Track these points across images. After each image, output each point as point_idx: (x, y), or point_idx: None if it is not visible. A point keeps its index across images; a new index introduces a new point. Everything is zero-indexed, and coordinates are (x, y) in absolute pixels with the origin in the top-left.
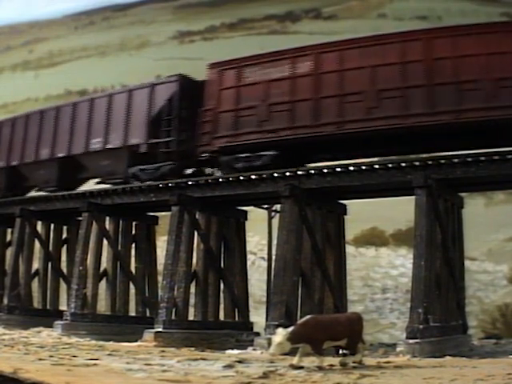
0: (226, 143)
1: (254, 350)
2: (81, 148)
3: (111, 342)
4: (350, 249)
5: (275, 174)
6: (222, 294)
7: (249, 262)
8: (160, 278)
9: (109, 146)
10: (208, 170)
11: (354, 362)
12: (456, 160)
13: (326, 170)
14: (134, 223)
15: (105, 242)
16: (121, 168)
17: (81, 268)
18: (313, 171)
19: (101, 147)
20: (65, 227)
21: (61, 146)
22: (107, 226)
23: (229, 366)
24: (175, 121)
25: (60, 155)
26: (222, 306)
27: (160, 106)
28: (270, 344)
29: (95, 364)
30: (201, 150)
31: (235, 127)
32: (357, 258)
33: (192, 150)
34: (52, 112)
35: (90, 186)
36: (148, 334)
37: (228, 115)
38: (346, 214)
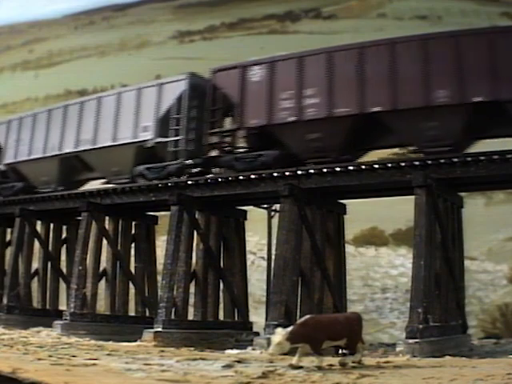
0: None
1: (254, 349)
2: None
3: (110, 342)
4: (349, 248)
5: (275, 174)
6: (221, 294)
7: (248, 262)
8: (159, 278)
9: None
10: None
11: (353, 362)
12: (456, 160)
13: (325, 170)
14: (133, 223)
15: (104, 241)
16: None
17: (80, 268)
18: (312, 171)
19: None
20: (64, 227)
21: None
22: (107, 226)
23: (228, 366)
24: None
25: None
26: (221, 306)
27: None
28: (269, 344)
29: (94, 364)
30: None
31: None
32: (356, 258)
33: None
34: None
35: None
36: (147, 334)
37: None
38: (345, 213)
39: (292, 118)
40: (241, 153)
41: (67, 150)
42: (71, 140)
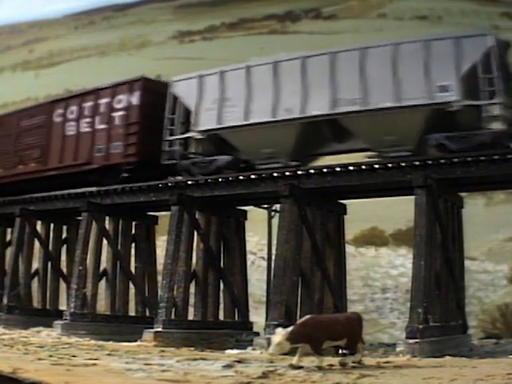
0: None
1: (254, 349)
2: None
3: (111, 342)
4: (349, 249)
5: (275, 174)
6: (221, 294)
7: (248, 262)
8: (160, 278)
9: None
10: None
11: (353, 362)
12: (456, 160)
13: (325, 170)
14: (133, 223)
15: (104, 241)
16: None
17: (80, 268)
18: (312, 171)
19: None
20: (64, 227)
21: None
22: (107, 226)
23: (228, 366)
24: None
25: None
26: (221, 306)
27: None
28: (269, 344)
29: (94, 364)
30: None
31: None
32: (357, 258)
33: None
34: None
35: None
36: (147, 334)
37: None
38: (345, 213)
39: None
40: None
41: (317, 113)
42: (322, 100)
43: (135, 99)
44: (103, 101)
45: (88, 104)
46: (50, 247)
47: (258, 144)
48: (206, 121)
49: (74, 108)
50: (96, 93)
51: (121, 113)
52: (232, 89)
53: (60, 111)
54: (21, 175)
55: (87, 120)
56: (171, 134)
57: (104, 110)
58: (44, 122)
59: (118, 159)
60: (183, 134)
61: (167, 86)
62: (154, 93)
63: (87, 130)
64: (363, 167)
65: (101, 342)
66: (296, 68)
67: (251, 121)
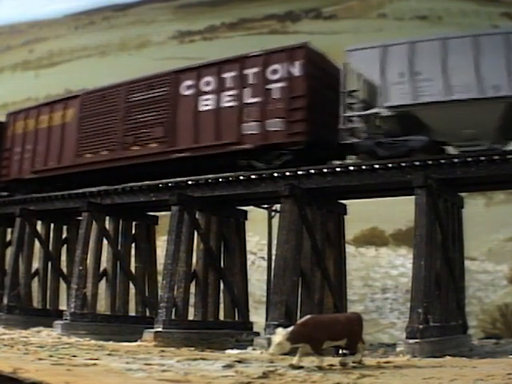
0: None
1: (254, 349)
2: None
3: (111, 342)
4: (350, 249)
5: (275, 174)
6: (221, 294)
7: (249, 262)
8: (160, 278)
9: None
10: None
11: (353, 362)
12: (456, 160)
13: (325, 170)
14: (133, 223)
15: (105, 241)
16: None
17: (81, 268)
18: (313, 171)
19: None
20: (65, 227)
21: None
22: (107, 226)
23: (228, 366)
24: None
25: None
26: (221, 306)
27: None
28: (269, 344)
29: (95, 364)
30: None
31: None
32: (357, 258)
33: None
34: None
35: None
36: (148, 334)
37: None
38: (345, 213)
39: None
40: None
41: None
42: None
43: (298, 69)
44: (251, 71)
45: (230, 74)
46: (50, 247)
47: (459, 124)
48: (397, 96)
49: (209, 79)
50: (240, 61)
51: (279, 85)
52: (424, 62)
53: (189, 82)
54: (137, 158)
55: (230, 93)
56: (349, 110)
57: (254, 81)
58: (167, 95)
59: (279, 138)
60: (366, 110)
61: (324, 56)
62: (315, 63)
63: (231, 104)
64: (363, 167)
65: (101, 342)
66: (499, 43)
67: (454, 97)
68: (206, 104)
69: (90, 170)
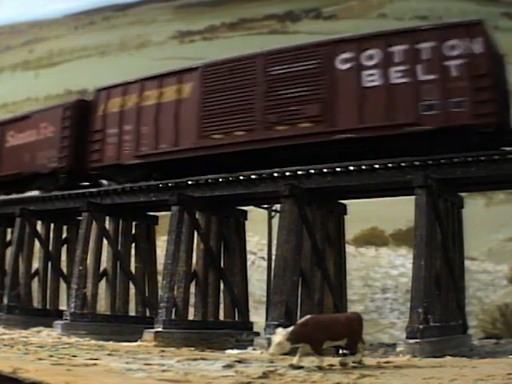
0: None
1: (254, 349)
2: None
3: (111, 342)
4: (349, 249)
5: (275, 174)
6: (221, 294)
7: (249, 262)
8: (160, 278)
9: None
10: None
11: (353, 362)
12: (456, 160)
13: (325, 170)
14: (133, 223)
15: (105, 241)
16: None
17: (81, 268)
18: (313, 171)
19: None
20: (65, 227)
21: None
22: (107, 226)
23: (228, 366)
24: None
25: None
26: (221, 306)
27: None
28: (269, 344)
29: (95, 364)
30: None
31: None
32: (357, 258)
33: None
34: None
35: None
36: (148, 334)
37: None
38: (345, 213)
39: None
40: None
41: None
42: None
43: (479, 46)
44: (425, 45)
45: (399, 48)
46: (50, 247)
47: None
48: None
49: (372, 52)
50: (411, 34)
51: (459, 61)
52: None
53: (347, 55)
54: (284, 139)
55: (401, 68)
56: None
57: (429, 56)
58: (319, 68)
59: (464, 120)
60: None
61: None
62: (490, 41)
63: (404, 80)
64: (363, 167)
65: (101, 342)
66: None
67: None
68: (372, 80)
69: (215, 154)
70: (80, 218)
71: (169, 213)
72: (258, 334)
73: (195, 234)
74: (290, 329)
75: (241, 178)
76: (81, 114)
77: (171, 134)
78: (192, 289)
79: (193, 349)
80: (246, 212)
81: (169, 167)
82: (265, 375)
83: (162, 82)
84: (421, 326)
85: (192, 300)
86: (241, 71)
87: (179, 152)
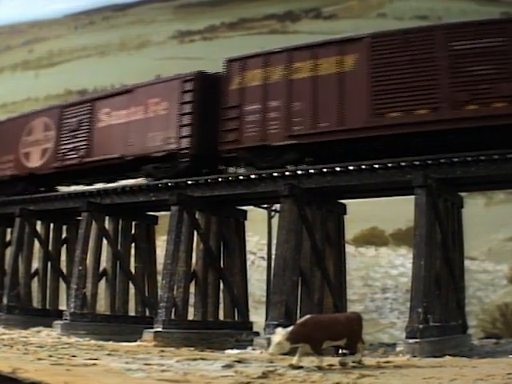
0: None
1: (254, 349)
2: None
3: (110, 342)
4: (349, 248)
5: (275, 174)
6: (221, 294)
7: (248, 262)
8: (159, 278)
9: None
10: None
11: (353, 362)
12: (456, 160)
13: (325, 170)
14: (133, 223)
15: (104, 241)
16: None
17: (80, 268)
18: (312, 171)
19: None
20: (64, 227)
21: None
22: (107, 226)
23: (228, 366)
24: None
25: None
26: (221, 306)
27: None
28: (269, 344)
29: (94, 364)
30: None
31: None
32: (357, 258)
33: None
34: None
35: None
36: (147, 334)
37: None
38: (345, 213)
39: None
40: None
41: None
42: None
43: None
44: None
45: None
46: (50, 247)
47: None
48: None
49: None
50: None
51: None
52: None
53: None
54: (475, 120)
55: None
56: None
57: None
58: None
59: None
60: None
61: None
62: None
63: None
64: (363, 167)
65: (101, 342)
66: None
67: None
68: None
69: (389, 135)
70: (80, 217)
71: (168, 213)
72: (257, 333)
73: (195, 233)
74: (290, 329)
75: (240, 177)
76: (204, 87)
77: (334, 111)
78: (192, 289)
79: (192, 349)
80: (245, 212)
81: (328, 150)
82: (264, 375)
83: (316, 52)
84: (420, 326)
85: (192, 300)
86: (418, 44)
87: (346, 132)
